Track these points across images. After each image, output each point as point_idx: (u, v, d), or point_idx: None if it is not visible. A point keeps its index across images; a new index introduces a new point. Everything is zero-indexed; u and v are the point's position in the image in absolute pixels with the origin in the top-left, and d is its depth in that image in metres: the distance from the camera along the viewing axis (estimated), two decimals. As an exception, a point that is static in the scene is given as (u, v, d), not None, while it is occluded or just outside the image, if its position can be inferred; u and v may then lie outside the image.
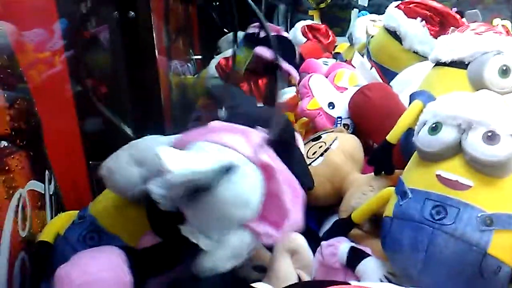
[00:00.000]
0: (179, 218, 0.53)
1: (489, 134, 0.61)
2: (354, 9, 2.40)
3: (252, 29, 1.81)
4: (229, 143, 0.56)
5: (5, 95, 0.70)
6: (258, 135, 0.58)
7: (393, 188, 0.72)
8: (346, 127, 1.04)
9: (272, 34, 1.63)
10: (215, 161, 0.51)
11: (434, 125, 0.66)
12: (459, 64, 0.81)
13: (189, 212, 0.53)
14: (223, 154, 0.55)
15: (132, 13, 1.10)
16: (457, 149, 0.63)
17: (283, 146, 0.63)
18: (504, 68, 0.77)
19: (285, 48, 1.45)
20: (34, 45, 0.84)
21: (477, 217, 0.60)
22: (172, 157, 0.49)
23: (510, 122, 0.61)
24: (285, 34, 1.77)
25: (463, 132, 0.63)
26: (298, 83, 1.20)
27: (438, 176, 0.64)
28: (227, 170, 0.52)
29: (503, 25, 0.85)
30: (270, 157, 0.57)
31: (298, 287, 0.61)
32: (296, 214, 0.56)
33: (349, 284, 0.59)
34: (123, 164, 0.67)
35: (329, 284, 0.53)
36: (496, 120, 0.61)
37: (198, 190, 0.51)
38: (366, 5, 2.44)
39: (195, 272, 0.54)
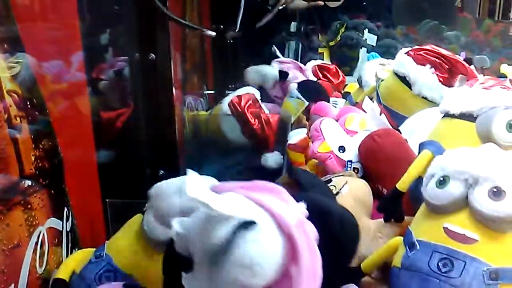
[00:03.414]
0: (188, 265, 0.54)
1: (495, 190, 0.63)
2: (363, 48, 2.45)
3: (276, 64, 1.86)
4: (265, 203, 0.55)
5: (32, 134, 0.73)
6: (303, 210, 0.57)
7: (401, 238, 0.74)
8: (356, 171, 1.06)
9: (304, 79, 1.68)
10: (235, 210, 0.52)
11: (442, 179, 0.68)
12: (468, 117, 0.84)
13: (197, 261, 0.54)
14: (248, 208, 0.55)
15: (153, 55, 1.14)
16: (464, 203, 0.65)
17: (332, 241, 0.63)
18: (512, 123, 0.79)
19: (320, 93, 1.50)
20: (53, 77, 0.87)
21: (483, 271, 0.61)
22: (195, 184, 0.50)
23: (516, 179, 0.63)
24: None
25: (470, 187, 0.65)
26: (309, 126, 1.23)
27: (445, 229, 0.65)
28: (246, 226, 0.53)
29: (511, 80, 0.87)
30: (305, 236, 0.55)
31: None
32: None
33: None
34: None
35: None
36: (502, 176, 0.63)
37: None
38: (374, 44, 2.50)
39: None
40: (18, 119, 0.67)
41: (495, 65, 1.90)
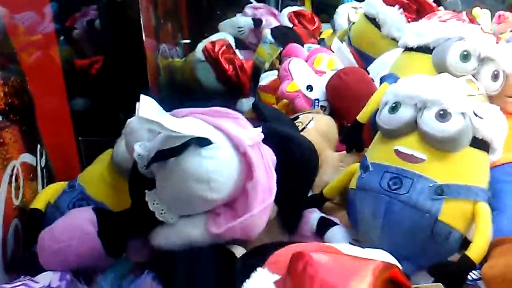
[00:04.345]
0: (151, 184, 0.58)
1: (441, 112, 0.67)
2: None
3: (250, 10, 1.86)
4: (222, 126, 0.59)
5: (1, 75, 0.75)
6: (258, 133, 0.61)
7: (358, 164, 0.78)
8: (323, 109, 1.10)
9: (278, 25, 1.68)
10: (190, 130, 0.56)
11: (394, 105, 0.72)
12: (425, 49, 0.87)
13: (158, 179, 0.58)
14: (204, 129, 0.59)
15: (120, -3, 1.14)
16: (413, 127, 0.70)
17: (291, 165, 0.67)
18: (465, 53, 0.82)
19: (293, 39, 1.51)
20: (26, 28, 0.89)
21: (429, 187, 0.66)
22: (148, 106, 0.53)
23: (461, 101, 0.67)
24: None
25: (418, 111, 0.69)
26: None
27: (395, 150, 0.70)
28: (201, 143, 0.56)
29: (467, 13, 0.90)
30: (261, 156, 0.59)
31: (270, 247, 0.66)
32: (257, 218, 0.59)
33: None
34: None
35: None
36: (448, 99, 0.67)
37: (168, 155, 0.55)
38: None
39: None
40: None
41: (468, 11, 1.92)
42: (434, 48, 0.85)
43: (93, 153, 0.86)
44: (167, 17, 1.75)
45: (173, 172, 0.56)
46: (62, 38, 1.29)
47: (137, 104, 0.55)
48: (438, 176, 0.67)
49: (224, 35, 1.60)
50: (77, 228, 0.63)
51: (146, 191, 0.58)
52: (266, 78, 1.29)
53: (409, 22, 1.28)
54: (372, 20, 1.33)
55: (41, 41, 0.94)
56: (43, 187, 0.83)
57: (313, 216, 0.81)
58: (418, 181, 0.67)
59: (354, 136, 0.90)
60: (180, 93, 1.62)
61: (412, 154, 0.68)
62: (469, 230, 0.68)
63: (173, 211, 0.59)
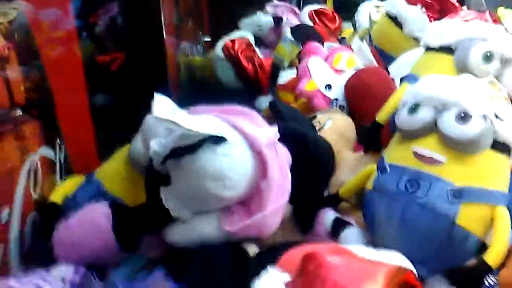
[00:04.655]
0: (166, 180, 0.58)
1: (462, 114, 0.65)
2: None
3: (271, 8, 1.86)
4: (238, 124, 0.59)
5: (22, 69, 0.76)
6: (274, 132, 0.61)
7: (375, 165, 0.77)
8: (342, 109, 1.09)
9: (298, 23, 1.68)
10: (206, 128, 0.56)
11: (413, 106, 0.70)
12: (447, 49, 0.85)
13: (173, 175, 0.58)
14: (220, 127, 0.59)
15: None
16: (433, 128, 0.68)
17: (307, 164, 0.67)
18: (488, 54, 0.81)
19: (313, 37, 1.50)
20: (49, 24, 0.90)
21: (447, 190, 0.65)
22: (162, 105, 0.53)
23: (482, 104, 0.66)
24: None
25: (438, 112, 0.68)
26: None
27: (414, 152, 0.69)
28: (216, 141, 0.57)
29: (490, 13, 0.88)
30: (276, 155, 0.59)
31: (283, 246, 0.66)
32: (270, 217, 0.59)
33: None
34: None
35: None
36: (469, 101, 0.66)
37: (183, 152, 0.56)
38: None
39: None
40: (6, 50, 0.70)
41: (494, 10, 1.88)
42: (456, 48, 0.84)
43: (111, 148, 0.87)
44: (188, 15, 1.76)
45: (188, 169, 0.57)
46: (84, 34, 1.31)
47: (152, 103, 0.55)
48: (457, 179, 0.66)
49: (244, 33, 1.60)
50: (92, 222, 0.63)
51: (161, 187, 0.59)
52: (285, 77, 1.28)
53: (431, 21, 1.26)
54: (394, 19, 1.31)
55: (63, 37, 0.95)
56: (61, 180, 0.84)
57: (328, 216, 0.80)
58: (436, 183, 0.66)
59: (372, 137, 0.89)
60: (200, 90, 1.63)
61: (431, 156, 0.67)
62: (487, 234, 0.67)
63: (188, 208, 0.59)
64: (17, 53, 0.74)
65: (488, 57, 0.80)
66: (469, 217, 0.65)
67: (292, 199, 0.64)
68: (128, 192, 0.74)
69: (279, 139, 0.64)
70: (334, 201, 0.84)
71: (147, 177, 0.63)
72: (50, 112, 0.83)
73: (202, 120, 0.59)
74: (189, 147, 0.56)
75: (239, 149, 0.58)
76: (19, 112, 0.73)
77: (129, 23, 1.31)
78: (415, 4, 1.27)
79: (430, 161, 0.67)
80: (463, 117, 0.66)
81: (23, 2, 0.80)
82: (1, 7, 0.75)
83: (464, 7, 1.32)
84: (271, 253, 0.59)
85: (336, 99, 1.08)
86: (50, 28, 0.90)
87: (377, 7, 1.57)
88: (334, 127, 0.96)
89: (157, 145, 0.59)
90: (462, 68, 0.82)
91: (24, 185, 0.74)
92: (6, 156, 0.70)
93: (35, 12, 0.84)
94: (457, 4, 1.27)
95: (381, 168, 0.73)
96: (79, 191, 0.77)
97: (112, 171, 0.77)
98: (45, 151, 0.80)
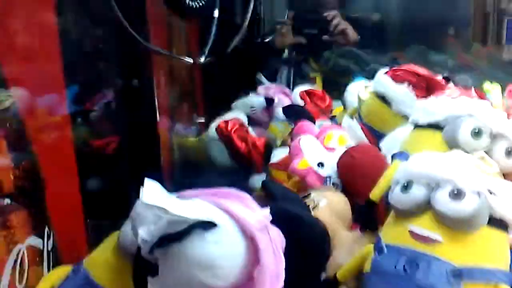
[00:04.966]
0: (154, 270, 0.56)
1: (455, 192, 0.65)
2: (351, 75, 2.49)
3: (262, 89, 1.91)
4: (229, 208, 0.57)
5: (12, 156, 0.76)
6: (266, 215, 0.59)
7: (372, 245, 0.75)
8: (335, 186, 1.08)
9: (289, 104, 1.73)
10: (195, 213, 0.54)
11: (405, 184, 0.70)
12: (435, 126, 0.86)
13: (161, 265, 0.55)
14: (210, 211, 0.58)
15: (136, 81, 1.18)
16: (427, 206, 0.67)
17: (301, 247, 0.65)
18: (477, 130, 0.81)
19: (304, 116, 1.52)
20: (42, 111, 0.92)
21: (446, 271, 0.63)
22: (151, 190, 0.52)
23: (475, 180, 0.66)
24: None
25: (432, 190, 0.67)
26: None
27: (410, 231, 0.67)
28: (205, 227, 0.55)
29: (475, 90, 0.91)
30: (268, 239, 0.57)
31: None
32: None
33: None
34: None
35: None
36: (462, 178, 0.65)
37: (171, 240, 0.54)
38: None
39: None
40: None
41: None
42: (444, 125, 0.85)
43: (101, 236, 0.85)
44: (182, 96, 1.81)
45: (176, 258, 0.54)
46: (79, 119, 1.33)
47: (141, 188, 0.54)
48: (455, 259, 0.64)
49: (237, 114, 1.63)
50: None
51: (148, 277, 0.56)
52: (278, 155, 1.29)
53: (418, 99, 1.29)
54: (382, 98, 1.34)
55: (56, 123, 0.97)
56: (49, 270, 0.82)
57: (327, 301, 0.77)
58: (434, 264, 0.64)
59: (367, 215, 0.87)
60: (193, 171, 1.63)
61: (427, 235, 0.66)
62: (492, 316, 0.64)
63: None
64: (8, 141, 0.74)
65: (477, 133, 0.81)
66: (472, 298, 0.63)
67: (287, 285, 0.61)
68: (116, 282, 0.71)
69: (272, 221, 0.62)
70: (332, 286, 0.81)
71: (135, 266, 0.61)
72: (40, 200, 0.82)
73: (192, 204, 0.58)
74: (177, 234, 0.54)
75: (230, 235, 0.56)
76: (7, 201, 0.72)
77: (123, 107, 1.33)
78: (402, 83, 1.31)
79: (427, 240, 0.66)
80: (457, 194, 0.65)
81: (19, 90, 0.82)
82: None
83: (451, 84, 1.35)
84: None
85: (329, 177, 1.08)
86: (45, 114, 0.91)
87: (366, 87, 1.61)
88: (329, 206, 0.95)
89: (145, 233, 0.57)
90: (453, 144, 0.82)
91: (9, 276, 0.71)
92: (-9, 248, 0.68)
93: (30, 98, 0.86)
94: (443, 82, 1.31)
95: (378, 249, 0.71)
96: (66, 283, 0.73)
97: (100, 260, 0.75)
98: (33, 241, 0.78)
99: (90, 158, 1.15)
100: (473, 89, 0.90)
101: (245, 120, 1.61)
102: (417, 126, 0.91)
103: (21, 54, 0.86)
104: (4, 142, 0.73)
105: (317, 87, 2.12)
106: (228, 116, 1.60)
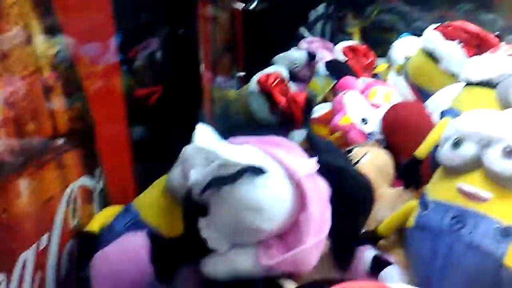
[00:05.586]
0: (204, 211, 0.58)
1: (507, 149, 0.63)
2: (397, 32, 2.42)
3: (305, 43, 1.88)
4: (277, 155, 0.58)
5: (65, 100, 0.78)
6: (313, 164, 0.60)
7: (417, 201, 0.75)
8: (378, 143, 1.07)
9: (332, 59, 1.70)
10: (246, 158, 0.55)
11: (456, 141, 0.69)
12: (488, 84, 0.84)
13: (212, 206, 0.57)
14: (259, 157, 0.59)
15: (182, 29, 1.18)
16: (477, 164, 0.66)
17: (345, 199, 0.65)
18: (532, 89, 0.79)
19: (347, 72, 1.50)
20: (91, 58, 0.93)
21: (494, 229, 0.63)
22: (204, 134, 0.53)
23: (529, 139, 0.64)
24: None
25: (483, 148, 0.66)
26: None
27: (459, 188, 0.67)
28: (255, 171, 0.56)
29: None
30: (315, 187, 0.58)
31: (322, 284, 0.64)
32: (309, 252, 0.57)
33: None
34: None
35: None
36: (515, 136, 0.64)
37: (222, 182, 0.55)
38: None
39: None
40: (51, 79, 0.72)
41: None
42: (498, 83, 0.82)
43: (148, 179, 0.87)
44: (224, 50, 1.80)
45: (226, 200, 0.56)
46: (124, 68, 1.35)
47: (194, 132, 0.55)
48: (504, 217, 0.63)
49: (278, 68, 1.61)
50: (129, 252, 0.63)
51: (199, 218, 0.58)
52: (319, 111, 1.28)
53: (468, 57, 1.25)
54: (430, 55, 1.30)
55: (105, 71, 0.98)
56: (99, 210, 0.85)
57: (367, 254, 0.78)
58: (482, 221, 0.63)
59: (412, 172, 0.87)
60: (234, 124, 1.64)
61: (476, 193, 0.65)
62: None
63: (225, 240, 0.58)
64: (62, 84, 0.76)
65: (532, 93, 0.78)
66: (518, 258, 0.62)
67: (330, 234, 0.62)
68: (165, 223, 0.74)
69: (317, 172, 0.63)
70: (373, 239, 0.82)
71: (185, 208, 0.63)
72: (91, 142, 0.85)
73: (242, 150, 0.59)
74: (228, 178, 0.55)
75: (278, 180, 0.57)
76: (61, 141, 0.75)
77: (168, 58, 1.34)
78: (453, 40, 1.26)
79: (476, 197, 0.65)
80: (509, 152, 0.64)
81: (66, 37, 0.83)
82: (46, 40, 0.77)
83: (503, 43, 1.30)
84: (310, 289, 0.58)
85: (373, 133, 1.07)
86: (93, 62, 0.93)
87: (413, 43, 1.57)
88: (372, 161, 0.95)
89: (197, 174, 0.59)
90: (505, 103, 0.80)
91: (63, 213, 0.75)
92: (47, 185, 0.71)
93: (77, 46, 0.87)
94: (495, 40, 1.25)
95: (424, 205, 0.71)
96: (117, 221, 0.77)
97: (149, 201, 0.78)
98: (85, 181, 0.81)
99: (137, 105, 1.17)
100: (532, 48, 0.86)
101: (286, 74, 1.60)
102: (468, 83, 0.89)
103: (74, 2, 0.86)
104: (59, 84, 0.75)
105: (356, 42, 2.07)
106: (269, 70, 1.59)
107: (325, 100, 1.46)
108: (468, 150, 0.67)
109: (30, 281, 0.67)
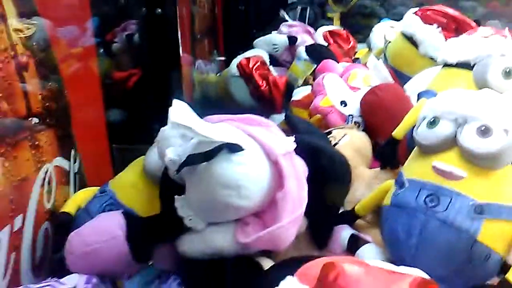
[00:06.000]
0: (180, 189, 0.57)
1: (482, 128, 0.64)
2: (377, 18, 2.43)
3: (285, 27, 1.87)
4: (255, 133, 0.58)
5: (40, 80, 0.77)
6: (291, 142, 0.60)
7: (393, 180, 0.76)
8: (357, 125, 1.08)
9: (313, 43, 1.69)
10: (222, 135, 0.55)
11: (432, 120, 0.69)
12: (465, 65, 0.84)
13: (188, 184, 0.57)
14: (236, 135, 0.58)
15: (160, 10, 1.16)
16: (453, 142, 0.67)
17: (323, 178, 0.66)
18: (507, 70, 0.80)
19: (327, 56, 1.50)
20: (68, 41, 0.91)
21: (468, 206, 0.63)
22: (180, 110, 0.52)
23: (503, 118, 0.64)
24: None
25: (458, 126, 0.66)
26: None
27: (434, 167, 0.67)
28: (232, 149, 0.55)
29: (509, 30, 0.87)
30: (292, 166, 0.58)
31: (299, 260, 0.64)
32: (286, 229, 0.57)
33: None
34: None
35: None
36: (490, 115, 0.64)
37: (198, 160, 0.54)
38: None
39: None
40: (25, 57, 0.71)
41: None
42: (474, 64, 0.83)
43: (125, 160, 0.86)
44: (204, 34, 1.78)
45: (203, 178, 0.56)
46: (102, 51, 1.33)
47: (170, 108, 0.55)
48: (478, 195, 0.64)
49: (258, 52, 1.60)
50: (105, 231, 0.63)
51: (175, 196, 0.58)
52: (299, 94, 1.28)
53: (447, 41, 1.26)
54: (410, 39, 1.31)
55: (81, 54, 0.96)
56: (74, 192, 0.84)
57: (344, 232, 0.79)
58: (456, 199, 0.64)
59: (389, 153, 0.87)
60: (213, 107, 1.63)
61: (451, 171, 0.66)
62: (509, 253, 0.64)
63: (202, 218, 0.58)
64: (36, 62, 0.74)
65: (508, 73, 0.79)
66: (491, 234, 0.63)
67: (307, 213, 0.62)
68: (141, 203, 0.74)
69: (295, 151, 0.63)
70: (350, 218, 0.82)
71: (162, 186, 0.63)
72: (66, 123, 0.83)
73: (219, 127, 0.58)
74: (204, 155, 0.55)
75: (255, 158, 0.56)
76: (35, 121, 0.73)
77: (146, 40, 1.32)
78: (431, 24, 1.27)
79: (450, 176, 0.66)
80: (484, 131, 0.64)
81: (43, 19, 0.81)
82: (21, 21, 0.75)
83: (481, 27, 1.31)
84: (286, 266, 0.58)
85: (352, 115, 1.08)
86: (69, 44, 0.91)
87: (392, 27, 1.57)
88: (350, 142, 0.95)
89: (173, 153, 0.58)
90: (482, 84, 0.81)
91: (38, 194, 0.74)
92: (21, 165, 0.70)
93: (54, 29, 0.85)
94: (473, 24, 1.26)
95: (400, 183, 0.71)
96: (92, 202, 0.76)
97: (126, 182, 0.77)
98: (60, 162, 0.80)
99: (115, 87, 1.16)
100: (507, 29, 0.87)
101: (267, 58, 1.59)
102: (445, 65, 0.89)
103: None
104: (32, 64, 0.73)
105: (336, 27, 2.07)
106: (250, 53, 1.58)
107: (305, 84, 1.46)
108: (443, 128, 0.67)
109: (5, 262, 0.66)
